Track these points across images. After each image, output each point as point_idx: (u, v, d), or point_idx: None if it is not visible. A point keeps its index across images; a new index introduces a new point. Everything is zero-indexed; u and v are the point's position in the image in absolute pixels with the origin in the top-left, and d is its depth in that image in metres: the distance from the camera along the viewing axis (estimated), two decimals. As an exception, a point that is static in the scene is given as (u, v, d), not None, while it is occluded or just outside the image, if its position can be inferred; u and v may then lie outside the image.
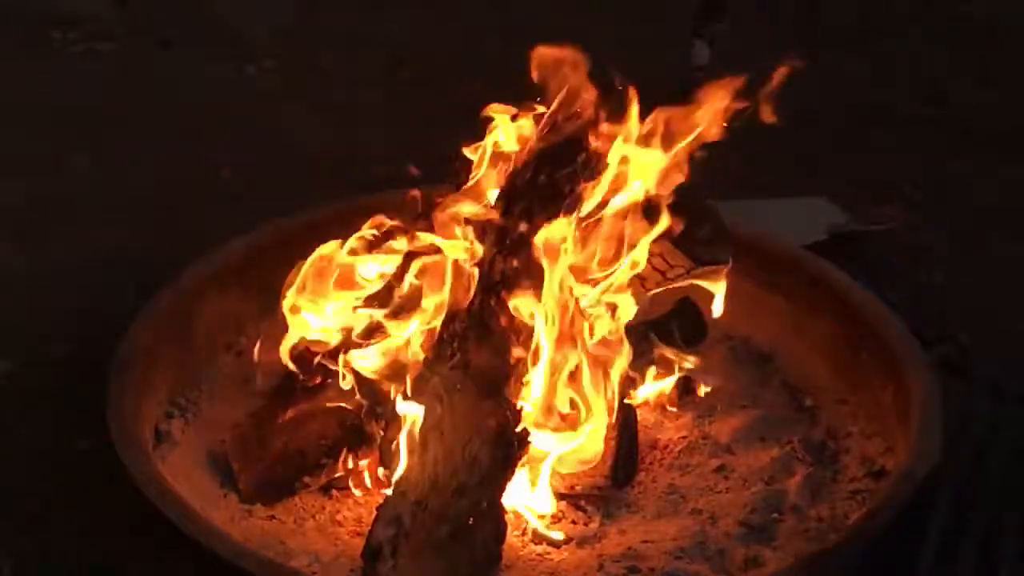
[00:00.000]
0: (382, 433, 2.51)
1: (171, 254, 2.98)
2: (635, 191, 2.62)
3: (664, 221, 2.60)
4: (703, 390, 2.81)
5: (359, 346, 2.56)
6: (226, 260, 2.91)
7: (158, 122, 3.85)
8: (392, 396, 2.53)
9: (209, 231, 3.07)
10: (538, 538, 2.49)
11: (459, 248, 2.54)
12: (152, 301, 2.78)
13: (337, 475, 2.59)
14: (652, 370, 2.73)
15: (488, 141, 2.68)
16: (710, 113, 2.60)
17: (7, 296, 3.16)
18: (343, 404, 2.57)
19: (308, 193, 3.34)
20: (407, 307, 2.56)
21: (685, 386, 2.80)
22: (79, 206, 3.49)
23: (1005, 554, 2.47)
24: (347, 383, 2.55)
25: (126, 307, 2.81)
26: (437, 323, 2.54)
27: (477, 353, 2.48)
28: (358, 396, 2.56)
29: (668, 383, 2.76)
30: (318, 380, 2.60)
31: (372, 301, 2.60)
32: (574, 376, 2.55)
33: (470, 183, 2.67)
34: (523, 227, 2.55)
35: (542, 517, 2.52)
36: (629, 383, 2.65)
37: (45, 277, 3.23)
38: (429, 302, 2.55)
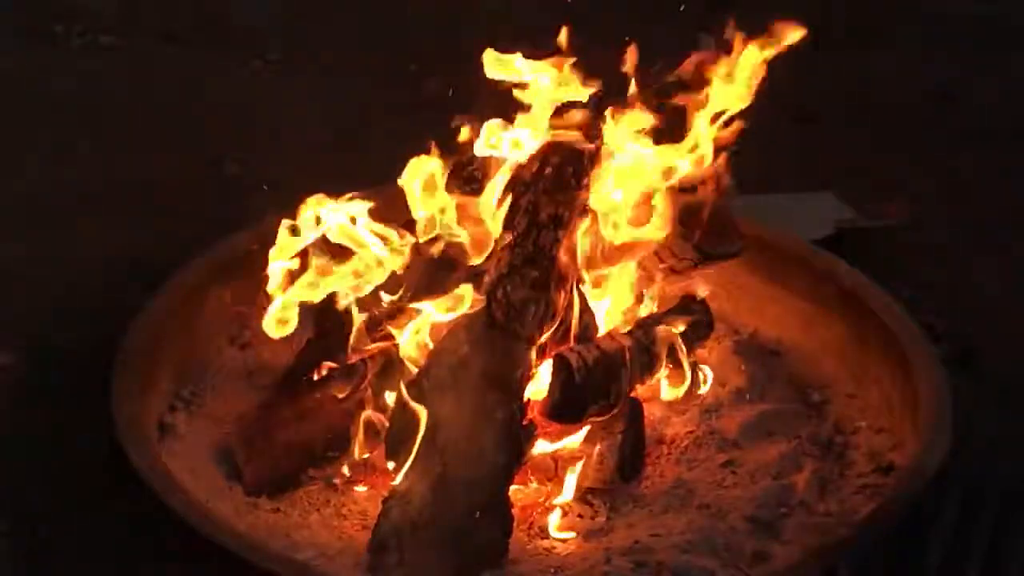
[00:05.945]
0: (388, 426, 2.50)
1: (175, 247, 2.97)
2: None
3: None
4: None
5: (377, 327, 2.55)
6: (230, 253, 2.89)
7: (161, 116, 3.84)
8: (399, 389, 2.53)
9: (212, 225, 3.06)
10: (544, 532, 2.49)
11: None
12: (156, 295, 2.77)
13: (342, 468, 2.59)
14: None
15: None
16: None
17: (10, 289, 3.14)
18: (349, 396, 2.56)
19: (312, 187, 3.33)
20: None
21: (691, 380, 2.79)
22: (82, 199, 3.47)
23: (1014, 553, 2.47)
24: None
25: (129, 301, 2.80)
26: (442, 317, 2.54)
27: (482, 346, 2.47)
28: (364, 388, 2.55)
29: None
30: (323, 373, 2.60)
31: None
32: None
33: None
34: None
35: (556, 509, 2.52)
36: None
37: (48, 270, 3.22)
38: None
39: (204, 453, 2.62)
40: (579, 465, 2.56)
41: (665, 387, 2.74)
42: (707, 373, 2.78)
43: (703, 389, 2.76)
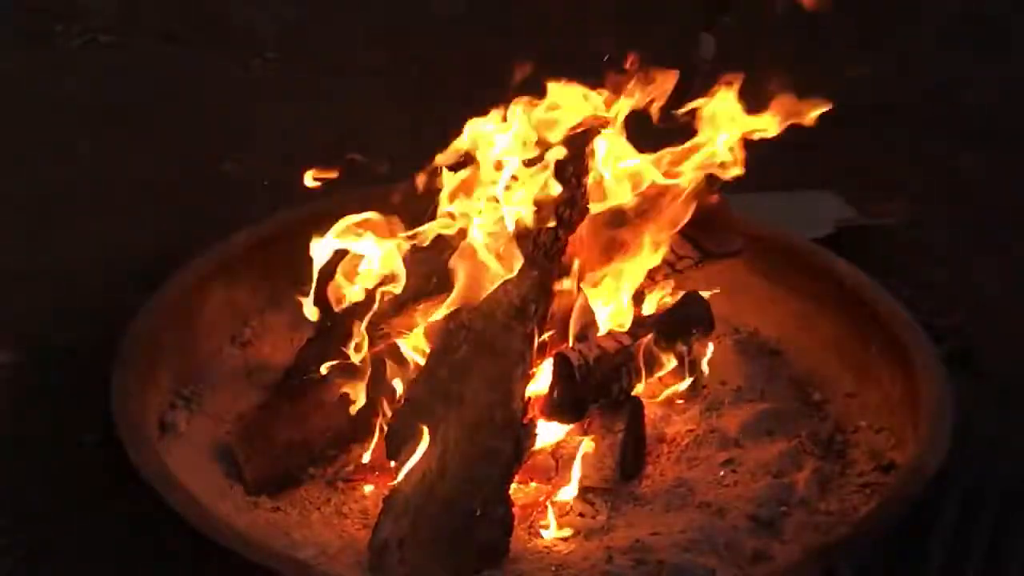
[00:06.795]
0: (390, 424, 2.50)
1: (174, 246, 2.97)
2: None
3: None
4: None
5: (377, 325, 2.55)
6: (230, 252, 2.89)
7: (161, 115, 3.84)
8: (400, 386, 2.53)
9: (212, 223, 3.06)
10: (545, 530, 2.48)
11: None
12: (156, 293, 2.77)
13: (343, 467, 2.58)
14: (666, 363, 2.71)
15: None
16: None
17: (10, 289, 3.14)
18: (349, 393, 2.56)
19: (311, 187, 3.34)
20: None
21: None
22: (82, 199, 3.47)
23: (1014, 553, 2.47)
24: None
25: (129, 300, 2.80)
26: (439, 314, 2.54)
27: (483, 345, 2.47)
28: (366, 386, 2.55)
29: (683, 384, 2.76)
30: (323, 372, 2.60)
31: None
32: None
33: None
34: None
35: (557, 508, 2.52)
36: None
37: (48, 270, 3.21)
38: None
39: (204, 452, 2.61)
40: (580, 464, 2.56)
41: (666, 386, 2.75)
42: (705, 370, 2.78)
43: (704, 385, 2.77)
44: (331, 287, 2.64)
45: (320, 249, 2.64)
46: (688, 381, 2.74)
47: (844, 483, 2.60)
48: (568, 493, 2.52)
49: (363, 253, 2.67)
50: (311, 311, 2.64)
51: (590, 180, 2.66)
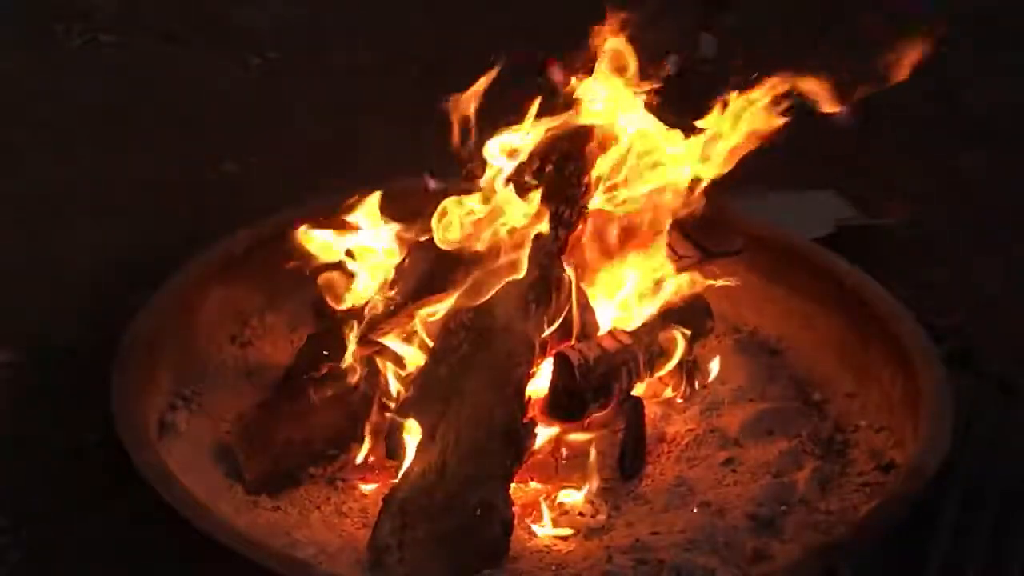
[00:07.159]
0: (389, 423, 2.49)
1: (174, 246, 2.97)
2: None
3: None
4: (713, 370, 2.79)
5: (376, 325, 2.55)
6: (230, 251, 2.90)
7: (161, 114, 3.84)
8: (400, 386, 2.53)
9: (212, 225, 3.06)
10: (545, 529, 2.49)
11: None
12: (156, 293, 2.76)
13: (343, 466, 2.58)
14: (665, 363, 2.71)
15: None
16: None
17: (10, 289, 3.14)
18: (350, 391, 2.56)
19: (311, 185, 3.34)
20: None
21: (691, 378, 2.79)
22: (82, 199, 3.47)
23: (1014, 553, 2.47)
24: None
25: (129, 300, 2.80)
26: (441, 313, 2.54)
27: (483, 344, 2.47)
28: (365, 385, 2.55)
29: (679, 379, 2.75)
30: (324, 371, 2.59)
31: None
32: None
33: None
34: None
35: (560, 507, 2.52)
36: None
37: (48, 270, 3.21)
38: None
39: (204, 451, 2.61)
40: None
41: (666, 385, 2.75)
42: (712, 369, 2.78)
43: (704, 385, 2.76)
44: (331, 286, 2.63)
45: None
46: (686, 368, 2.73)
47: (844, 483, 2.60)
48: (578, 494, 2.53)
49: (363, 251, 2.67)
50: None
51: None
